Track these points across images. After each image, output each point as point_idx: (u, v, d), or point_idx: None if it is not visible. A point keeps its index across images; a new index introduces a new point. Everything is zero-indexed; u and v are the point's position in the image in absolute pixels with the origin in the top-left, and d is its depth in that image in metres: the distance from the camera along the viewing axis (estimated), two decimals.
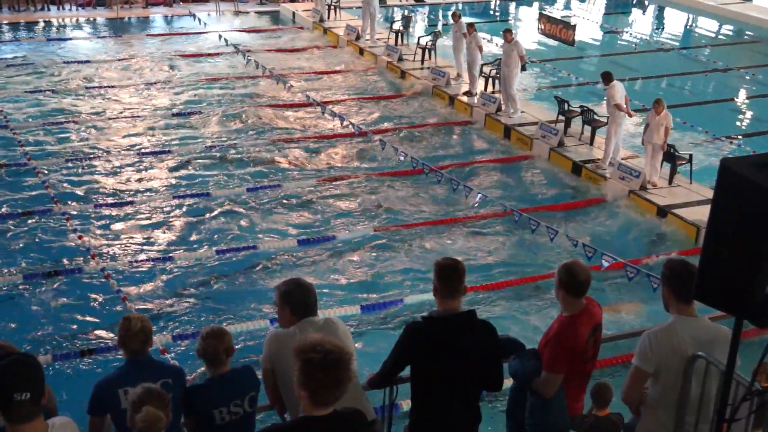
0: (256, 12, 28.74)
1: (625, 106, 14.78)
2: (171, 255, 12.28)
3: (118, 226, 13.14)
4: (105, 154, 15.93)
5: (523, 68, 17.88)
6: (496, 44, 22.58)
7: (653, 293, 11.22)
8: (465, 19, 20.53)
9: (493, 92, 19.30)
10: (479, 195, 14.11)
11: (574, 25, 20.72)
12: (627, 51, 25.73)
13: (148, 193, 14.35)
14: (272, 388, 5.31)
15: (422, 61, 21.71)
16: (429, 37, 22.26)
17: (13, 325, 10.38)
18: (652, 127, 14.08)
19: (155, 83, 20.22)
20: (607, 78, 15.03)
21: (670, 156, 14.58)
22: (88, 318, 10.72)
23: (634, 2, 33.88)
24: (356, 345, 7.32)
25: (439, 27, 23.96)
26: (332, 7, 26.65)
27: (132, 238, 12.83)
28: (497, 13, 32.27)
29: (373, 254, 12.60)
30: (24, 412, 3.80)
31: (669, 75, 22.91)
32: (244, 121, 18.06)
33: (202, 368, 5.28)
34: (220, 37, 24.05)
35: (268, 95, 19.85)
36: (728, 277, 3.96)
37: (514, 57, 17.36)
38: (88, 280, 11.58)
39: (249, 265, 12.16)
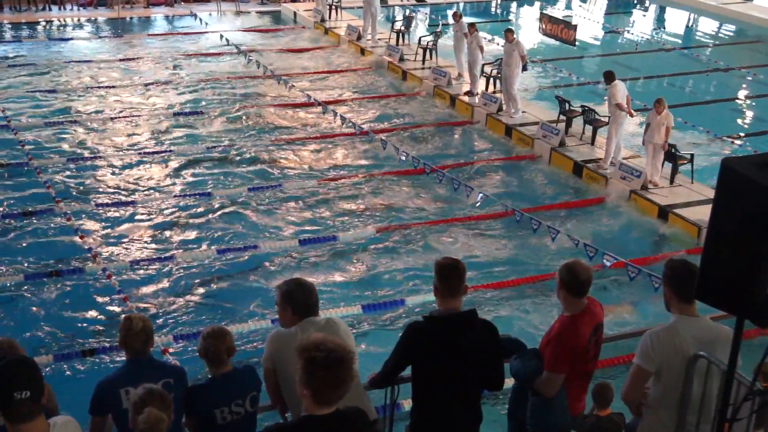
0: (257, 12, 28.74)
1: (626, 105, 14.77)
2: (172, 255, 12.29)
3: (119, 226, 13.14)
4: (106, 153, 15.93)
5: (524, 68, 17.88)
6: (497, 44, 22.57)
7: (648, 294, 11.27)
8: (466, 19, 20.54)
9: (494, 92, 19.30)
10: (480, 195, 14.11)
11: (575, 25, 20.73)
12: (628, 51, 25.73)
13: (149, 193, 14.35)
14: (273, 388, 5.32)
15: (423, 61, 21.71)
16: (430, 37, 22.26)
17: (14, 325, 10.37)
18: (653, 127, 14.07)
19: (156, 83, 20.22)
20: (609, 77, 15.02)
21: (672, 156, 14.57)
22: (89, 318, 10.72)
23: (635, 2, 33.87)
24: (357, 345, 7.31)
25: (440, 27, 23.88)
26: (333, 7, 26.65)
27: (133, 237, 12.83)
28: (498, 13, 32.26)
29: (375, 254, 12.60)
30: (24, 411, 3.81)
31: (670, 75, 22.91)
32: (246, 120, 18.07)
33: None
34: (221, 37, 24.07)
35: (270, 95, 19.86)
36: (729, 277, 3.96)
37: (515, 57, 17.36)
38: (89, 280, 11.58)
39: (250, 265, 12.16)
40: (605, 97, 15.53)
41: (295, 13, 27.94)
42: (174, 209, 13.79)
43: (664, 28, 30.50)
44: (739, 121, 20.14)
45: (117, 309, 10.86)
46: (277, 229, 13.27)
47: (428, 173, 15.08)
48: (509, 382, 5.81)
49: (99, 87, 19.81)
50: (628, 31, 28.59)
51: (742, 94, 21.98)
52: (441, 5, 30.88)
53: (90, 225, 13.12)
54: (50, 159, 15.51)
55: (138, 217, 13.48)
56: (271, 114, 18.56)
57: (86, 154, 15.89)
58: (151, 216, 13.52)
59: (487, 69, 19.71)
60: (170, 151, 16.17)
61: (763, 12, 29.61)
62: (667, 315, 5.25)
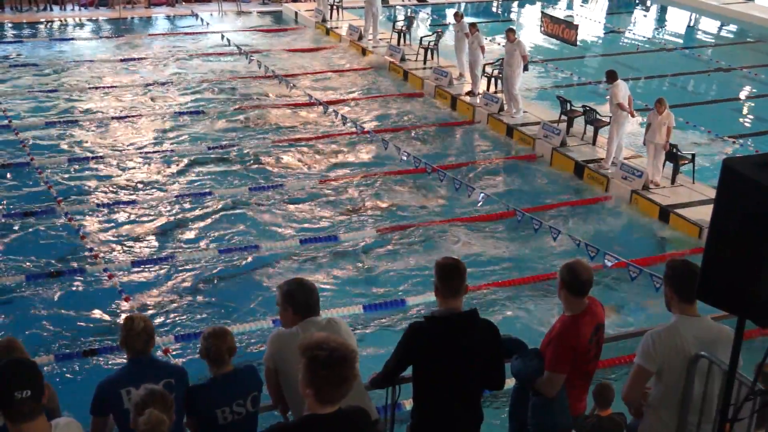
0: (259, 12, 28.75)
1: (628, 105, 14.76)
2: (173, 255, 12.29)
3: (120, 226, 13.15)
4: (107, 153, 15.94)
5: (525, 68, 17.88)
6: (498, 44, 22.57)
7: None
8: (467, 19, 20.54)
9: (495, 92, 19.30)
10: (482, 194, 14.11)
11: (577, 25, 20.72)
12: (629, 51, 25.71)
13: (150, 193, 14.36)
14: (275, 388, 5.31)
15: (425, 61, 21.71)
16: (431, 37, 22.26)
17: (15, 325, 10.38)
18: (654, 127, 14.07)
19: (157, 83, 20.23)
20: (611, 77, 15.01)
21: (673, 156, 14.57)
22: (90, 318, 10.72)
23: (636, 2, 33.86)
24: (358, 345, 7.31)
25: (441, 30, 23.90)
26: (335, 7, 26.65)
27: (134, 237, 12.83)
28: (499, 13, 32.25)
29: (375, 254, 12.60)
30: (26, 410, 3.81)
31: (671, 75, 22.91)
32: (247, 120, 18.08)
33: None
34: (222, 37, 24.06)
35: (271, 95, 19.87)
36: (731, 276, 3.96)
37: (517, 57, 17.36)
38: (90, 280, 11.59)
39: (251, 265, 12.16)
40: (607, 97, 15.52)
41: (296, 13, 27.95)
42: (175, 209, 13.79)
43: (666, 28, 30.50)
44: (741, 121, 20.13)
45: (118, 309, 10.86)
46: (278, 228, 13.27)
47: (429, 173, 15.09)
48: (510, 382, 5.81)
49: (100, 87, 19.81)
50: (630, 31, 28.58)
51: (743, 94, 21.97)
52: (442, 5, 30.87)
53: (91, 225, 13.12)
54: (51, 159, 15.52)
55: (139, 217, 13.48)
56: (272, 114, 18.57)
57: (87, 153, 15.91)
58: (153, 216, 13.52)
59: (489, 69, 19.71)
60: (171, 151, 16.18)
61: (765, 12, 29.59)
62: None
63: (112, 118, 17.84)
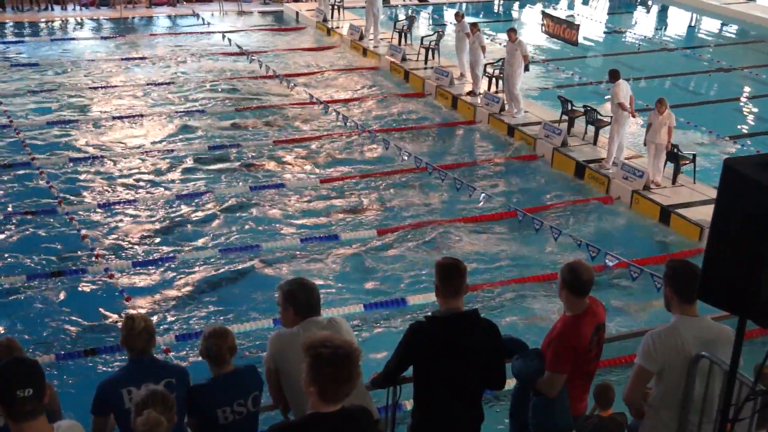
0: (260, 12, 28.77)
1: (629, 105, 14.74)
2: (174, 254, 12.30)
3: (121, 226, 13.15)
4: (108, 153, 15.94)
5: (526, 68, 17.88)
6: (499, 44, 22.57)
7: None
8: (468, 19, 20.53)
9: (496, 92, 19.30)
10: (483, 194, 14.11)
11: (578, 25, 20.72)
12: (630, 51, 25.70)
13: (151, 193, 14.37)
14: (276, 387, 5.31)
15: (426, 60, 21.71)
16: (432, 37, 22.26)
17: (17, 325, 10.39)
18: (655, 127, 14.06)
19: (158, 83, 20.23)
20: (613, 76, 15.00)
21: (674, 156, 14.56)
22: (91, 318, 10.72)
23: (637, 2, 33.85)
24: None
25: (441, 30, 23.92)
26: (336, 7, 26.65)
27: (135, 237, 12.84)
28: (501, 12, 32.25)
29: (376, 253, 12.60)
30: (28, 409, 3.80)
31: (672, 75, 22.90)
32: (248, 120, 18.08)
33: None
34: (223, 36, 24.08)
35: (272, 95, 19.87)
36: (732, 276, 3.96)
37: (518, 57, 17.36)
38: (91, 279, 11.59)
39: (252, 265, 12.17)
40: (607, 97, 15.51)
41: (297, 13, 27.95)
42: (176, 209, 13.79)
43: (666, 28, 30.50)
44: (742, 121, 20.12)
45: (119, 309, 10.86)
46: (279, 228, 13.28)
47: (430, 173, 15.09)
48: (511, 383, 5.81)
49: (101, 87, 19.81)
50: (631, 31, 28.57)
51: (744, 94, 21.96)
52: (443, 5, 30.87)
53: (92, 224, 13.12)
54: (52, 159, 15.53)
55: (140, 216, 13.49)
56: (273, 114, 18.57)
57: (88, 153, 15.91)
58: (153, 215, 13.53)
59: (490, 69, 19.71)
60: (172, 150, 16.18)
61: (766, 12, 29.58)
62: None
63: (113, 117, 17.84)
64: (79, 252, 12.29)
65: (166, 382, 4.95)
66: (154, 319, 10.26)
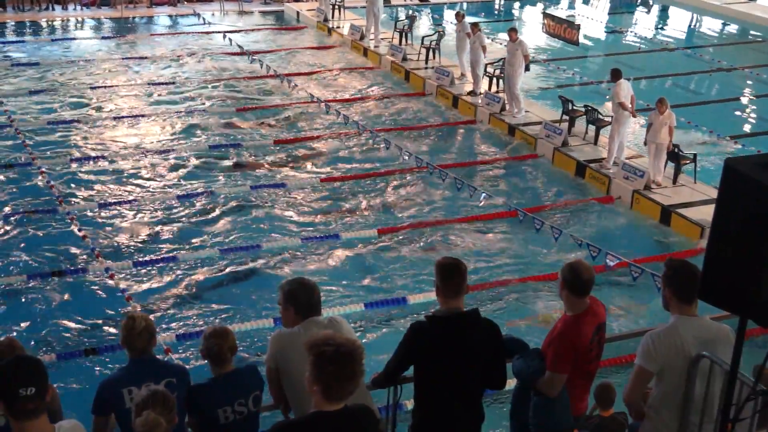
0: (261, 12, 28.78)
1: (630, 105, 14.72)
2: (175, 254, 12.29)
3: (122, 226, 13.15)
4: (109, 153, 15.95)
5: (527, 68, 17.87)
6: (500, 44, 22.56)
7: (647, 295, 11.27)
8: (469, 19, 20.53)
9: (497, 92, 19.29)
10: (483, 194, 14.11)
11: (579, 25, 20.72)
12: (631, 50, 25.70)
13: (152, 193, 14.37)
14: (276, 387, 5.31)
15: (426, 60, 21.71)
16: (433, 37, 22.26)
17: (17, 325, 10.39)
18: (656, 127, 14.05)
19: (159, 83, 20.24)
20: (614, 75, 14.98)
21: (674, 155, 14.56)
22: (92, 317, 10.72)
23: (638, 2, 33.84)
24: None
25: (443, 27, 23.91)
26: (336, 6, 26.66)
27: (136, 237, 12.84)
28: (501, 12, 32.25)
29: (377, 253, 12.60)
30: (30, 408, 3.80)
31: (673, 74, 22.88)
32: (248, 120, 18.08)
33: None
34: (224, 36, 24.08)
35: (273, 94, 19.87)
36: (732, 276, 3.96)
37: (519, 56, 17.35)
38: (92, 279, 11.59)
39: (253, 264, 12.17)
40: (607, 97, 15.50)
41: (298, 13, 27.95)
42: (177, 208, 13.79)
43: (667, 27, 30.48)
44: (742, 121, 20.12)
45: (119, 308, 10.86)
46: (280, 228, 13.28)
47: (431, 172, 15.09)
48: (511, 383, 5.81)
49: (102, 86, 19.81)
50: (631, 31, 28.57)
51: (745, 94, 21.95)
52: (443, 4, 30.86)
53: (93, 224, 13.12)
54: (53, 159, 15.53)
55: (141, 216, 13.49)
56: (274, 113, 18.56)
57: (89, 153, 15.91)
58: (154, 215, 13.53)
59: (490, 69, 19.71)
60: (173, 150, 16.18)
61: (766, 12, 29.57)
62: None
63: (114, 117, 17.85)
64: (79, 252, 12.28)
65: (167, 382, 4.96)
66: (155, 318, 10.25)
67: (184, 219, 13.47)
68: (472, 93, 19.21)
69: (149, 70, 21.41)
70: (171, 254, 12.30)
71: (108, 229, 13.04)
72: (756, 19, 29.38)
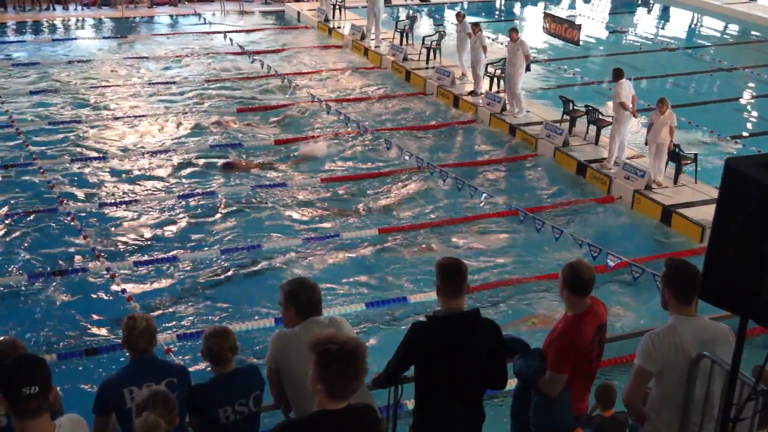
0: (261, 12, 28.78)
1: (630, 105, 14.71)
2: (175, 254, 12.30)
3: (122, 226, 13.15)
4: (110, 153, 15.95)
5: (528, 68, 17.87)
6: (501, 44, 22.56)
7: (648, 295, 11.26)
8: (469, 19, 20.53)
9: (497, 92, 19.29)
10: (484, 194, 14.11)
11: (579, 25, 20.71)
12: (632, 50, 25.69)
13: (152, 193, 14.37)
14: (277, 387, 5.31)
15: (427, 60, 21.71)
16: (434, 37, 22.26)
17: (18, 325, 10.39)
18: (656, 127, 14.05)
19: (160, 83, 20.24)
20: (615, 75, 14.96)
21: (675, 155, 14.55)
22: (92, 317, 10.72)
23: (639, 2, 33.83)
24: None
25: (444, 27, 23.91)
26: (337, 6, 26.66)
27: (137, 237, 12.84)
28: (502, 12, 32.25)
29: (378, 253, 12.60)
30: (33, 407, 3.80)
31: (674, 74, 22.87)
32: (249, 120, 18.08)
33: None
34: (225, 36, 24.08)
35: (273, 94, 19.87)
36: (733, 276, 3.96)
37: (519, 56, 17.35)
38: (92, 279, 11.60)
39: (253, 264, 12.16)
40: (609, 96, 15.50)
41: (298, 13, 27.96)
42: (177, 209, 13.79)
43: (668, 27, 30.48)
44: (743, 121, 20.11)
45: (120, 308, 10.85)
46: (281, 228, 13.28)
47: (432, 172, 15.09)
48: (512, 382, 5.80)
49: (102, 87, 19.82)
50: (632, 31, 28.56)
51: (745, 94, 21.94)
52: (444, 4, 30.85)
53: (93, 224, 13.12)
54: (54, 159, 15.53)
55: (141, 216, 13.49)
56: (274, 113, 18.56)
57: (90, 153, 15.92)
58: (155, 215, 13.53)
59: (491, 69, 19.70)
60: (173, 150, 16.18)
61: (767, 12, 29.55)
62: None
63: (115, 117, 17.85)
64: (79, 252, 12.28)
65: (168, 382, 4.96)
66: (156, 318, 10.23)
67: (184, 219, 13.47)
68: (472, 93, 19.21)
69: (150, 70, 21.41)
70: (171, 254, 12.30)
71: (108, 229, 13.04)
72: (756, 19, 29.37)
